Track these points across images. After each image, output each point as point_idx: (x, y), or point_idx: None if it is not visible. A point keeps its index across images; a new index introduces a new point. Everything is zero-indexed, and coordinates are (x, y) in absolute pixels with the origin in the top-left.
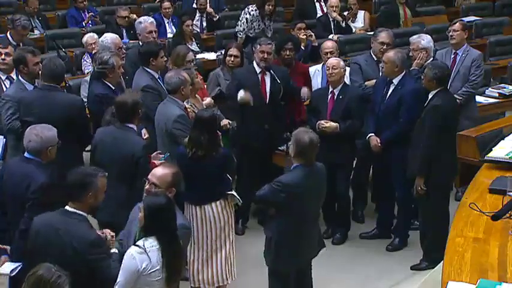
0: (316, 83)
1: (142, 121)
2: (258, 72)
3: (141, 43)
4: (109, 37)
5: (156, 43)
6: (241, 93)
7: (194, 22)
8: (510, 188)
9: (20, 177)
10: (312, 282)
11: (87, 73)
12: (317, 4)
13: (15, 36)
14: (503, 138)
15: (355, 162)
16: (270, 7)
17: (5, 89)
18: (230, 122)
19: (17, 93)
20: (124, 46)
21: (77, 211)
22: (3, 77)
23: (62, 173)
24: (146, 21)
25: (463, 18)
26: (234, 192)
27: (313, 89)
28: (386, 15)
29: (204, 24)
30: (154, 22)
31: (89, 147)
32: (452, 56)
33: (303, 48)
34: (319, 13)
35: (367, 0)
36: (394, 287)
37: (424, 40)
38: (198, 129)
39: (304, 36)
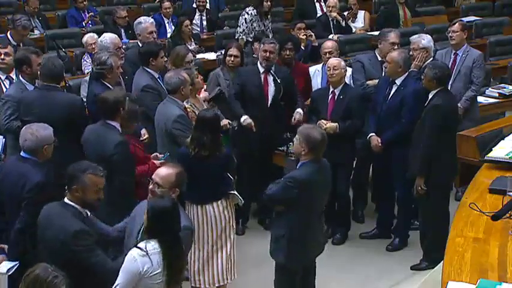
0: (316, 83)
1: (142, 121)
2: (261, 72)
3: (140, 43)
4: (108, 37)
5: (156, 43)
6: (244, 118)
7: (194, 21)
8: (510, 188)
9: (16, 176)
10: (315, 281)
11: (87, 73)
12: (317, 4)
13: (16, 36)
14: (503, 138)
15: (355, 162)
16: (268, 3)
17: (4, 89)
18: (230, 122)
19: (17, 93)
20: (124, 46)
21: (71, 203)
22: (3, 77)
23: (62, 172)
24: (146, 22)
25: (462, 18)
26: (235, 192)
27: (313, 89)
28: (385, 15)
29: (204, 23)
30: (154, 22)
31: None
32: (453, 57)
33: (303, 48)
34: (319, 13)
35: (367, 0)
36: (394, 287)
37: (425, 40)
38: (200, 129)
39: (304, 36)
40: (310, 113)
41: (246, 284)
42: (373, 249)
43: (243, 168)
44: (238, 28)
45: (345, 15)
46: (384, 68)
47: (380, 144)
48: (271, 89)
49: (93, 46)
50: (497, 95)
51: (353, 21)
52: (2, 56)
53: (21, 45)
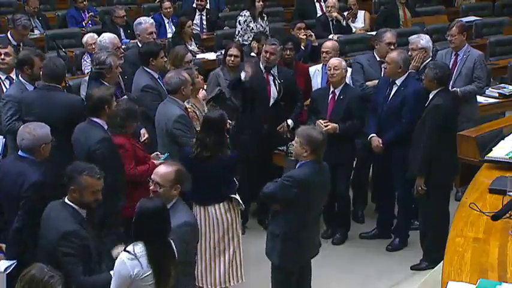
0: (316, 83)
1: (141, 121)
2: (262, 72)
3: (140, 44)
4: (107, 37)
5: (156, 43)
6: (243, 74)
7: (194, 21)
8: (510, 188)
9: (14, 175)
10: (311, 281)
11: (87, 73)
12: (317, 4)
13: (16, 35)
14: (503, 138)
15: (355, 162)
16: (260, 3)
17: (4, 89)
18: (230, 122)
19: (18, 93)
20: (124, 46)
21: (70, 203)
22: (3, 77)
23: (61, 172)
24: (146, 22)
25: (462, 19)
26: (237, 197)
27: (313, 89)
28: (385, 15)
29: (204, 23)
30: (154, 23)
31: None
32: (453, 57)
33: (303, 48)
34: (319, 13)
35: (367, 0)
36: (394, 287)
37: (423, 40)
38: (205, 129)
39: (304, 36)
40: (310, 113)
41: (246, 283)
42: (373, 249)
43: (243, 168)
44: (235, 30)
45: (345, 15)
46: (382, 69)
47: (381, 145)
48: (272, 89)
49: (93, 46)
50: (497, 95)
51: (353, 21)
52: (2, 56)
53: (21, 45)
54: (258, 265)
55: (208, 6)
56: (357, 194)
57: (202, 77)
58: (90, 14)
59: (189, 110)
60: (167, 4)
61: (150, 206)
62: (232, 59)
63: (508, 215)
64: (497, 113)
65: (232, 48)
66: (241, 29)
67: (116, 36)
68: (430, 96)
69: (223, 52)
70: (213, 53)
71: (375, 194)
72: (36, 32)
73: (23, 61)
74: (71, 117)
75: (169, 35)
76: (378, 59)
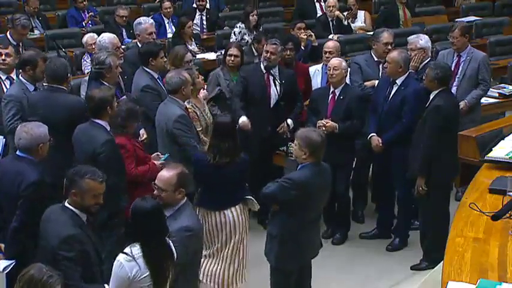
0: (316, 83)
1: (141, 121)
2: (263, 72)
3: (140, 44)
4: (106, 37)
5: (156, 43)
6: (242, 119)
7: (194, 21)
8: (510, 188)
9: (12, 175)
10: (310, 283)
11: (87, 73)
12: (317, 4)
13: (15, 35)
14: (503, 138)
15: (355, 162)
16: (254, 17)
17: (5, 89)
18: None
19: (19, 93)
20: (123, 46)
21: (71, 207)
22: (3, 77)
23: (60, 173)
24: (146, 22)
25: (462, 19)
26: (252, 198)
27: (313, 89)
28: (385, 15)
29: (204, 23)
30: (154, 23)
31: None
32: (456, 58)
33: (303, 48)
34: (319, 13)
35: (367, 0)
36: (394, 287)
37: (422, 40)
38: (219, 135)
39: (304, 36)
40: (310, 113)
41: (246, 283)
42: (373, 249)
43: None
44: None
45: (345, 15)
46: (380, 69)
47: (381, 145)
48: (272, 90)
49: (93, 46)
50: (497, 95)
51: (353, 22)
52: (3, 57)
53: (20, 44)
54: (257, 265)
55: (208, 6)
56: (357, 194)
57: (202, 77)
58: (90, 14)
59: (189, 110)
60: (167, 4)
61: (144, 206)
62: (232, 59)
63: (508, 215)
64: (497, 113)
65: (232, 48)
66: (236, 39)
67: (115, 36)
68: (431, 97)
69: (223, 52)
70: (213, 53)
71: (375, 194)
72: (36, 32)
73: (26, 61)
74: (72, 119)
75: (169, 35)
76: (376, 59)
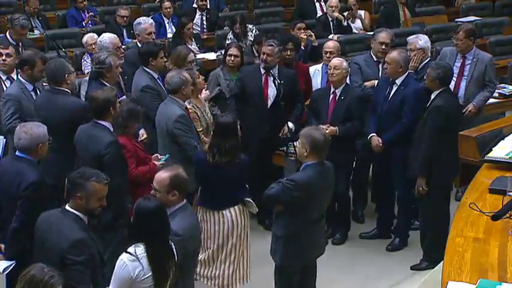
0: (316, 83)
1: (142, 121)
2: (262, 73)
3: (139, 44)
4: (107, 37)
5: (156, 43)
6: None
7: (194, 21)
8: (510, 188)
9: (12, 175)
10: (315, 283)
11: (87, 73)
12: (317, 4)
13: (14, 35)
14: (503, 138)
15: (355, 162)
16: (237, 30)
17: (5, 89)
18: None
19: (18, 92)
20: (124, 46)
21: (73, 211)
22: (4, 77)
23: (61, 174)
24: (146, 22)
25: (462, 19)
26: (251, 200)
27: (313, 89)
28: (386, 15)
29: (205, 23)
30: (154, 23)
31: None
32: (460, 60)
33: (303, 48)
34: (319, 13)
35: (367, 0)
36: (394, 287)
37: (422, 40)
38: (220, 135)
39: (304, 36)
40: (310, 113)
41: (247, 284)
42: (373, 249)
43: None
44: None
45: (345, 15)
46: (380, 69)
47: (381, 145)
48: (271, 90)
49: (93, 46)
50: (497, 95)
51: (353, 22)
52: (4, 57)
53: (20, 44)
54: (257, 265)
55: (208, 6)
56: (357, 194)
57: (203, 77)
58: (90, 14)
59: (190, 110)
60: (167, 4)
61: (147, 206)
62: (232, 59)
63: (508, 215)
64: (497, 113)
65: (232, 48)
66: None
67: (116, 36)
68: (432, 97)
69: (223, 52)
70: (213, 53)
71: (375, 194)
72: (36, 32)
73: (25, 61)
74: (72, 120)
75: (170, 35)
76: (375, 59)
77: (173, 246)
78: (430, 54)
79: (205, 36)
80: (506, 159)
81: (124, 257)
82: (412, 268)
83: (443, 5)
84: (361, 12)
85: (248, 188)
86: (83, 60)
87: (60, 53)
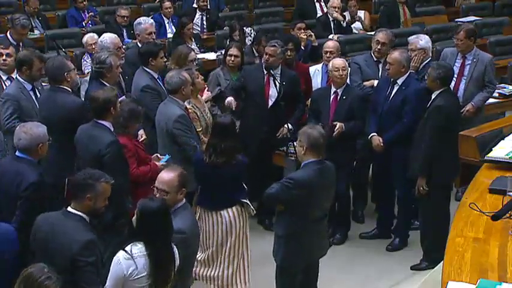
0: (316, 83)
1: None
2: (264, 73)
3: (140, 44)
4: (108, 37)
5: (156, 43)
6: (228, 98)
7: (194, 21)
8: (510, 188)
9: (12, 175)
10: (317, 282)
11: (87, 73)
12: (317, 4)
13: (15, 35)
14: (503, 138)
15: (355, 162)
16: (237, 37)
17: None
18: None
19: (16, 92)
20: (124, 46)
21: (77, 212)
22: (4, 77)
23: (61, 174)
24: (146, 22)
25: (462, 19)
26: (248, 202)
27: (313, 89)
28: (387, 14)
29: (205, 23)
30: (154, 23)
31: None
32: (461, 60)
33: (303, 48)
34: (319, 13)
35: (367, 0)
36: (394, 287)
37: (422, 40)
38: (217, 135)
39: (304, 36)
40: (311, 113)
41: (249, 284)
42: (373, 249)
43: None
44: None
45: (345, 15)
46: (380, 69)
47: (382, 144)
48: (272, 90)
49: (93, 46)
50: (497, 95)
51: (353, 22)
52: (4, 57)
53: (20, 44)
54: (257, 265)
55: (208, 6)
56: (357, 194)
57: (202, 77)
58: (90, 14)
59: (189, 110)
60: (168, 4)
61: (151, 206)
62: (233, 59)
63: (508, 215)
64: (497, 113)
65: (232, 48)
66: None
67: (116, 36)
68: (433, 97)
69: (223, 52)
70: (213, 53)
71: (375, 194)
72: (36, 32)
73: (22, 61)
74: (71, 119)
75: (170, 35)
76: (375, 59)
77: (175, 249)
78: (431, 55)
79: (205, 36)
80: (506, 159)
81: (120, 254)
82: (412, 268)
83: (443, 5)
84: (361, 13)
85: (247, 188)
86: (83, 60)
87: (60, 53)
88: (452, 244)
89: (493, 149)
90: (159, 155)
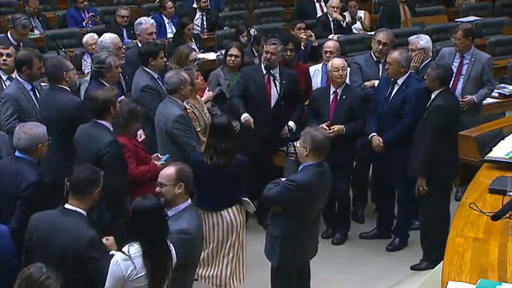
0: (316, 83)
1: (142, 122)
2: (264, 72)
3: (140, 44)
4: (108, 37)
5: (156, 43)
6: (244, 116)
7: (194, 22)
8: (510, 188)
9: (11, 175)
10: (310, 282)
11: (87, 73)
12: (317, 4)
13: (15, 35)
14: (503, 138)
15: (355, 162)
16: (245, 38)
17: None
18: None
19: (16, 92)
20: (124, 46)
21: (76, 209)
22: (4, 78)
23: (61, 173)
24: (147, 23)
25: (462, 19)
26: (248, 199)
27: (313, 89)
28: (388, 13)
29: (205, 23)
30: (155, 23)
31: None
32: (459, 59)
33: (303, 48)
34: (319, 13)
35: (367, 0)
36: (394, 287)
37: (423, 40)
38: (216, 136)
39: (304, 36)
40: (310, 113)
41: (247, 282)
42: (373, 249)
43: None
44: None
45: (345, 15)
46: (380, 69)
47: (382, 144)
48: (272, 90)
49: (93, 46)
50: (497, 95)
51: (354, 23)
52: (4, 57)
53: (21, 44)
54: (257, 264)
55: (208, 6)
56: (357, 194)
57: (202, 77)
58: (90, 14)
59: (188, 110)
60: (170, 4)
61: (144, 204)
62: (233, 59)
63: (508, 215)
64: (497, 113)
65: (232, 48)
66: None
67: (117, 36)
68: (432, 96)
69: (223, 52)
70: (213, 53)
71: (375, 194)
72: (36, 32)
73: (22, 61)
74: (69, 118)
75: (170, 35)
76: (375, 59)
77: (171, 246)
78: (431, 55)
79: (205, 36)
80: (506, 159)
81: (117, 256)
82: (412, 268)
83: (443, 5)
84: (361, 13)
85: (247, 187)
86: (83, 60)
87: (60, 53)
88: (452, 244)
89: (493, 149)
90: (159, 155)
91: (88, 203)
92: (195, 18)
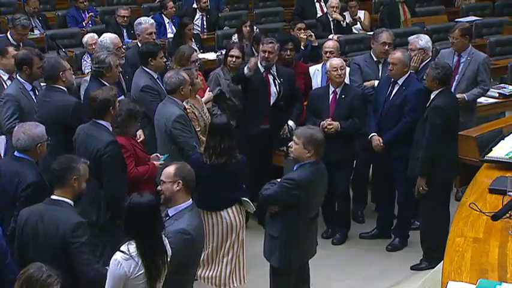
0: (316, 82)
1: (141, 122)
2: (262, 71)
3: (140, 44)
4: (108, 37)
5: (156, 43)
6: (246, 69)
7: (194, 22)
8: (510, 188)
9: (11, 175)
10: (309, 282)
11: (87, 73)
12: (317, 4)
13: (15, 35)
14: (503, 138)
15: (355, 162)
16: (248, 28)
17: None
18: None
19: (16, 92)
20: (124, 46)
21: (62, 198)
22: (5, 78)
23: None
24: (147, 23)
25: (462, 19)
26: (248, 199)
27: (313, 89)
28: (388, 13)
29: (205, 23)
30: (154, 23)
31: None
32: (456, 58)
33: (303, 48)
34: (319, 13)
35: (367, 0)
36: (394, 287)
37: (422, 40)
38: (215, 136)
39: (304, 36)
40: (310, 112)
41: (245, 283)
42: (373, 249)
43: None
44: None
45: (345, 15)
46: (380, 69)
47: (382, 144)
48: (271, 89)
49: (93, 46)
50: (497, 95)
51: (354, 24)
52: None
53: (21, 44)
54: (257, 265)
55: (208, 6)
56: (357, 194)
57: (202, 77)
58: (90, 14)
59: (188, 110)
60: (171, 4)
61: (138, 201)
62: (234, 59)
63: (508, 215)
64: (497, 113)
65: (233, 49)
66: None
67: (116, 36)
68: (432, 96)
69: (223, 52)
70: (213, 53)
71: (375, 194)
72: (36, 32)
73: (22, 61)
74: (63, 118)
75: (170, 35)
76: (375, 59)
77: (166, 241)
78: (431, 55)
79: (205, 37)
80: (506, 159)
81: (118, 255)
82: (412, 268)
83: (443, 5)
84: (361, 13)
85: (247, 187)
86: (83, 60)
87: (60, 53)
88: (452, 244)
89: (493, 149)
90: (158, 155)
91: (70, 192)
92: (195, 18)
